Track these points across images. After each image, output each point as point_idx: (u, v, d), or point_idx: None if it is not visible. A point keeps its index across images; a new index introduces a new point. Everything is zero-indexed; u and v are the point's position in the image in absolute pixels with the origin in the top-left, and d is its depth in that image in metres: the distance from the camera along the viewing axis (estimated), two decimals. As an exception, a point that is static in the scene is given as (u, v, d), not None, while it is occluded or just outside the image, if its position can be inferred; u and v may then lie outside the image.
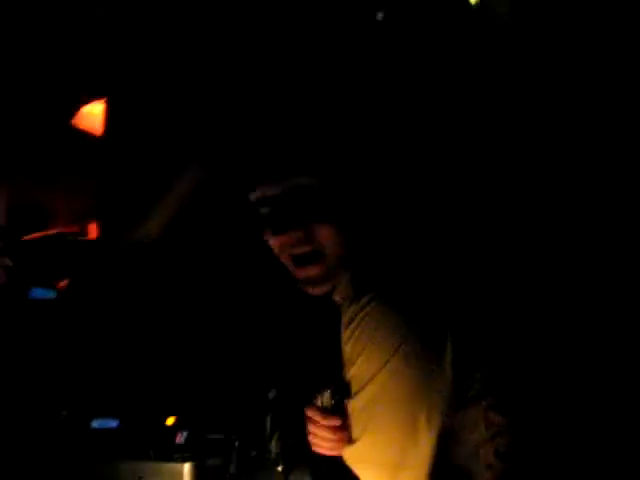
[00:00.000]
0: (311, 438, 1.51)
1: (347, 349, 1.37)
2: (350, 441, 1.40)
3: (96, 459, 1.73)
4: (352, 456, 1.41)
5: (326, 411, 1.47)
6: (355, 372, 1.36)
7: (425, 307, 1.33)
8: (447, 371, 1.30)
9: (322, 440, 1.48)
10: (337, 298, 1.43)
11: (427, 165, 1.67)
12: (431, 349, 1.31)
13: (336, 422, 1.44)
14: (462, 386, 1.30)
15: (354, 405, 1.37)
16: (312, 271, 1.39)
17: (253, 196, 1.40)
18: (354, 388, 1.37)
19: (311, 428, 1.50)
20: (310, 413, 1.48)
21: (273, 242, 1.40)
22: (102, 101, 2.32)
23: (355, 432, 1.38)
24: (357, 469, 1.41)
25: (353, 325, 1.34)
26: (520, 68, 1.93)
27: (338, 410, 1.45)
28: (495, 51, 1.92)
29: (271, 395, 1.89)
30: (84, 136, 2.47)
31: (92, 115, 2.42)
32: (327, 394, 1.48)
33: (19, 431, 1.78)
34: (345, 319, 1.36)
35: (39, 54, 2.22)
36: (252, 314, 2.19)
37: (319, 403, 1.48)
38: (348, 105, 1.46)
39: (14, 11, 2.05)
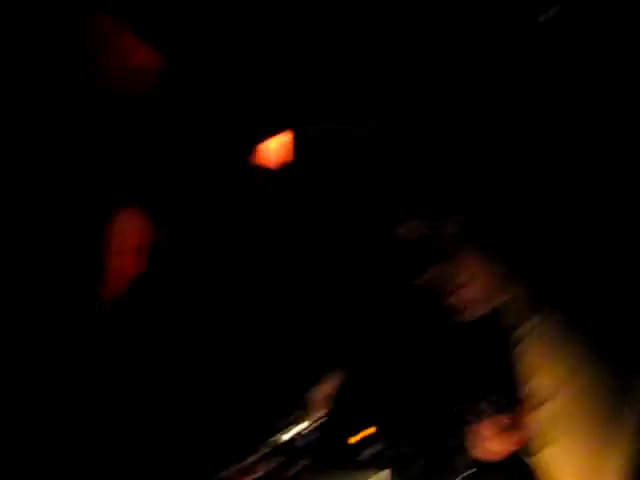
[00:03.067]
0: (469, 438, 1.53)
1: (526, 361, 1.39)
2: (539, 447, 1.41)
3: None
4: (544, 462, 1.41)
5: (486, 415, 1.54)
6: (536, 384, 1.38)
7: (608, 326, 1.32)
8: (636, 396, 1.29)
9: (478, 442, 1.58)
10: (513, 319, 1.44)
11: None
12: (617, 374, 1.30)
13: (490, 429, 1.47)
14: None
15: (539, 415, 1.39)
16: (457, 298, 1.44)
17: (401, 233, 1.46)
18: (535, 400, 1.39)
19: (471, 428, 1.59)
20: (470, 416, 1.51)
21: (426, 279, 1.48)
22: (277, 136, 2.43)
23: (542, 440, 1.40)
24: (550, 477, 1.42)
25: (533, 338, 1.35)
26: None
27: (499, 417, 1.55)
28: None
29: (457, 408, 1.87)
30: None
31: (269, 151, 2.54)
32: (491, 400, 1.52)
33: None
34: (523, 333, 1.38)
35: (219, 92, 2.35)
36: (441, 329, 2.17)
37: (482, 407, 1.57)
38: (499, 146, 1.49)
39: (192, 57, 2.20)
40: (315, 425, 1.72)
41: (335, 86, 2.26)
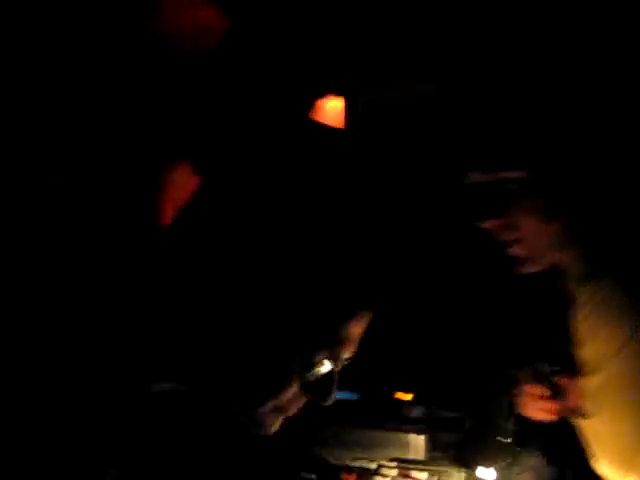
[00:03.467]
0: (519, 399, 1.61)
1: (582, 328, 1.39)
2: (586, 415, 1.43)
3: (337, 427, 1.83)
4: (589, 431, 1.43)
5: (540, 379, 1.57)
6: (590, 352, 1.39)
7: None
8: None
9: (527, 403, 1.58)
10: (571, 284, 1.45)
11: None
12: None
13: (543, 392, 1.52)
14: None
15: (589, 383, 1.40)
16: (516, 251, 1.43)
17: (467, 180, 1.46)
18: (589, 366, 1.40)
19: (521, 390, 1.60)
20: (522, 376, 1.56)
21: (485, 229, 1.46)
22: (341, 97, 2.43)
23: (591, 408, 1.41)
24: (594, 447, 1.42)
25: (590, 305, 1.36)
26: None
27: (550, 381, 1.55)
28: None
29: (507, 374, 1.90)
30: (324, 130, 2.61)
31: (335, 109, 2.56)
32: (544, 365, 1.55)
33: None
34: (581, 299, 1.39)
35: (277, 52, 2.37)
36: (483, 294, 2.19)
37: (534, 371, 1.59)
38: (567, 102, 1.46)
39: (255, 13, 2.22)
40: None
41: (387, 52, 2.26)
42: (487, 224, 1.43)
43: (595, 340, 1.36)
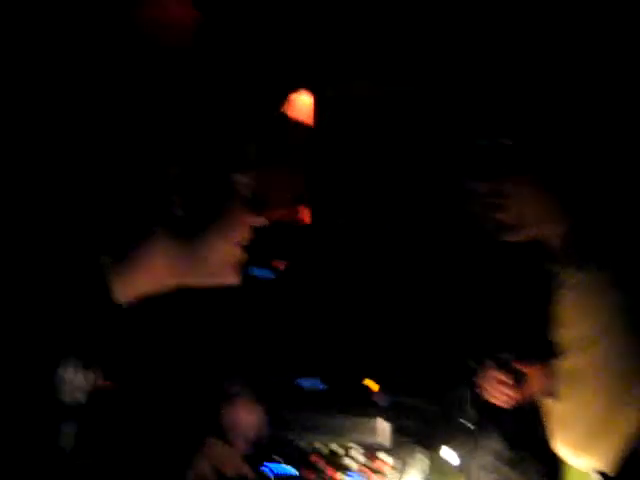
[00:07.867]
0: (484, 385, 1.61)
1: (569, 311, 1.39)
2: (553, 396, 1.44)
3: (307, 412, 1.86)
4: (552, 412, 1.44)
5: (502, 367, 1.59)
6: (567, 334, 1.39)
7: None
8: None
9: (490, 389, 1.59)
10: (552, 266, 1.46)
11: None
12: None
13: (505, 378, 1.54)
14: None
15: (567, 364, 1.40)
16: (501, 217, 1.44)
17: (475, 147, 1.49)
18: (563, 349, 1.40)
19: (485, 377, 1.61)
20: (488, 365, 1.60)
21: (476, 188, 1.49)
22: (311, 91, 2.46)
23: (563, 390, 1.42)
24: (555, 427, 1.44)
25: (573, 288, 1.36)
26: None
27: (511, 368, 1.58)
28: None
29: (469, 364, 1.93)
30: (295, 125, 2.64)
31: (303, 104, 2.58)
32: (506, 354, 1.57)
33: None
34: (569, 282, 1.38)
35: (251, 47, 2.39)
36: (452, 286, 2.23)
37: (497, 359, 1.61)
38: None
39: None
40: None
41: (357, 47, 2.29)
42: (481, 187, 1.45)
43: (582, 322, 1.35)
